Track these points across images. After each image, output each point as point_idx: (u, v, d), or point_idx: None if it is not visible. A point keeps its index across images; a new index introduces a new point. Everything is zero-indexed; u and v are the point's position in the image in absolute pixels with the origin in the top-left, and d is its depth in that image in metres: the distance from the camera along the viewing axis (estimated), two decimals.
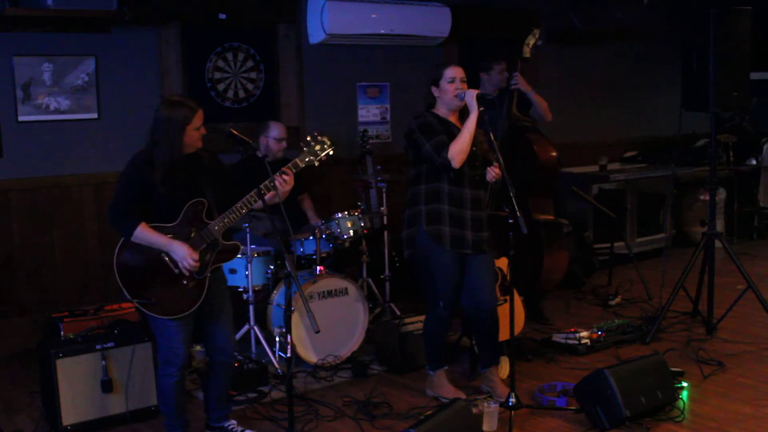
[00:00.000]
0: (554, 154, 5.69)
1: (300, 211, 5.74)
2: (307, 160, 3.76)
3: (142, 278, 3.58)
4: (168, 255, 3.58)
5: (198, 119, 3.57)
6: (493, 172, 4.21)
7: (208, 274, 3.67)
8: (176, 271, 3.59)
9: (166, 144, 3.52)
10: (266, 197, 3.64)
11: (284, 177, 3.67)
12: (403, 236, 4.36)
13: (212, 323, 3.80)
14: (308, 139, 3.79)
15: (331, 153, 3.82)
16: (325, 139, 3.80)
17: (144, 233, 3.52)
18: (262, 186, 3.62)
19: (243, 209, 3.63)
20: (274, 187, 3.66)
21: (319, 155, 3.78)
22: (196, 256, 3.57)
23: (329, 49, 6.51)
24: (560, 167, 5.92)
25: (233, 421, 4.02)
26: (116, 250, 3.58)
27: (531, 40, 5.54)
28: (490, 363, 4.47)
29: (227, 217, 3.64)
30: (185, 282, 3.61)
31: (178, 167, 3.58)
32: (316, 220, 5.64)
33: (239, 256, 4.14)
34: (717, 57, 5.14)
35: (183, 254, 3.54)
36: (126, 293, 3.58)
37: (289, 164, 3.74)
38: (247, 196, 3.62)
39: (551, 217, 5.74)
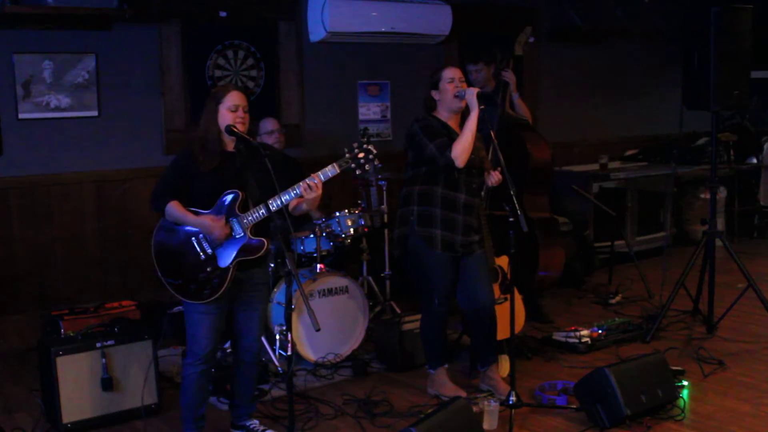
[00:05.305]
0: (547, 151, 5.67)
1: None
2: (344, 165, 3.68)
3: (172, 259, 3.69)
4: (197, 239, 3.64)
5: (230, 99, 3.66)
6: (495, 177, 4.21)
7: (232, 265, 3.67)
8: (202, 256, 3.64)
9: (203, 122, 3.70)
10: (292, 204, 3.69)
11: (309, 183, 3.60)
12: (395, 235, 4.36)
13: (241, 321, 3.85)
14: (354, 146, 3.71)
15: (377, 164, 3.76)
16: (372, 148, 3.72)
17: (173, 210, 3.62)
18: (300, 184, 3.59)
19: (275, 206, 3.61)
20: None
21: (361, 163, 3.71)
22: (221, 222, 3.60)
23: (330, 47, 6.50)
24: (554, 165, 5.91)
25: (255, 421, 4.03)
26: (154, 230, 3.74)
27: (522, 38, 5.56)
28: (490, 361, 4.47)
29: (257, 211, 3.65)
30: (209, 269, 3.64)
31: (226, 157, 3.67)
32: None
33: None
34: (718, 55, 5.13)
35: (208, 225, 3.60)
36: (158, 271, 3.71)
37: (323, 170, 3.65)
38: (283, 193, 3.58)
39: (547, 215, 5.73)
